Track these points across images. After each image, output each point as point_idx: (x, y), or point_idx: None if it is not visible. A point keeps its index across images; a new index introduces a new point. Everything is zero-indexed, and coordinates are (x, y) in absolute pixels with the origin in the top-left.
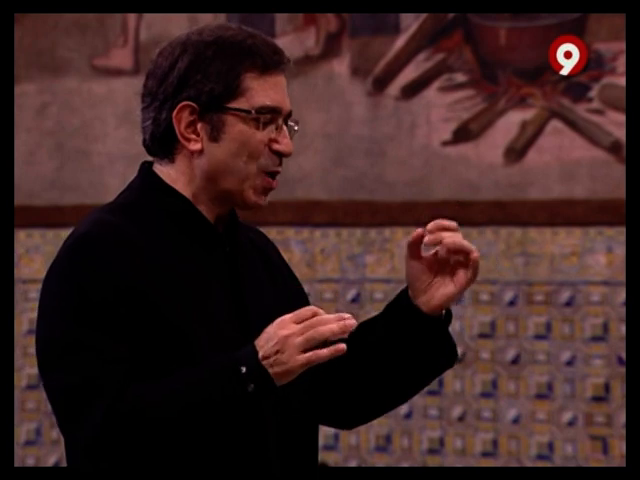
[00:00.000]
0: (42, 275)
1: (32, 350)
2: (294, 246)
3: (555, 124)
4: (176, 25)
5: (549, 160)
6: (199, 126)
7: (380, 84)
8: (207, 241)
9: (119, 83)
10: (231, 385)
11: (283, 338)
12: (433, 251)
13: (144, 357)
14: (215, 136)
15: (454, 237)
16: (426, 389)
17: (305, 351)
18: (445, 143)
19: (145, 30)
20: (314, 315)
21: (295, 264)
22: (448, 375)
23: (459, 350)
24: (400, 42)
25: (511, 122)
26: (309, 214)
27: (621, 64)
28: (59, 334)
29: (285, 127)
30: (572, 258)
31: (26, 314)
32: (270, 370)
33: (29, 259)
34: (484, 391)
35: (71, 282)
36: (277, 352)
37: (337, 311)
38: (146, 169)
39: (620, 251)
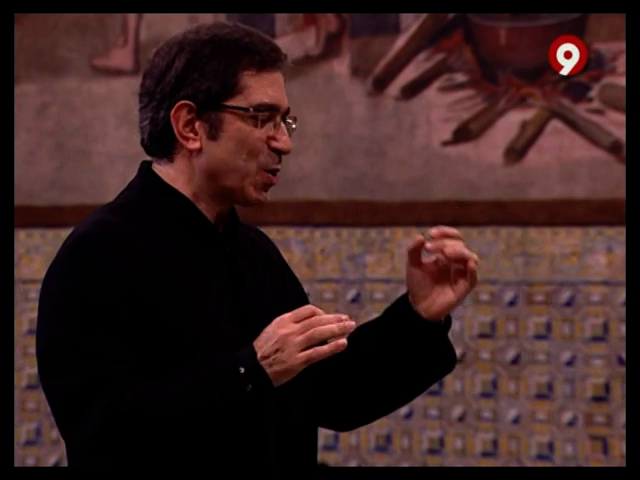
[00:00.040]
0: (42, 275)
1: (32, 350)
2: (294, 246)
3: (555, 124)
4: (176, 25)
5: (549, 160)
6: (197, 125)
7: (380, 84)
8: (207, 241)
9: (119, 83)
10: (230, 385)
11: (283, 337)
12: (434, 258)
13: (144, 357)
14: (213, 134)
15: (455, 246)
16: None
17: (305, 349)
18: (445, 143)
19: (145, 30)
20: (313, 314)
21: (295, 264)
22: (448, 375)
23: (458, 351)
24: (400, 42)
25: (511, 122)
26: (309, 214)
27: (621, 64)
28: (59, 334)
29: (283, 124)
30: (572, 258)
31: (26, 314)
32: (270, 369)
33: (29, 259)
34: (484, 391)
35: (71, 282)
36: (277, 351)
37: (337, 311)
38: (145, 169)
39: (620, 251)
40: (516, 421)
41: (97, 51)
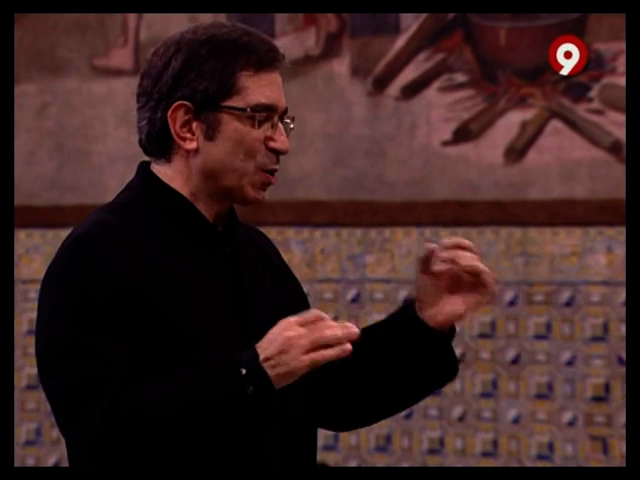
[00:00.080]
0: (42, 275)
1: (32, 350)
2: (294, 246)
3: (555, 124)
4: (176, 25)
5: (549, 160)
6: (194, 125)
7: (380, 84)
8: (207, 240)
9: (119, 83)
10: (231, 386)
11: (287, 339)
12: (446, 267)
13: (144, 357)
14: (211, 135)
15: (473, 260)
16: None
17: (309, 353)
18: (445, 143)
19: (145, 30)
20: (319, 319)
21: (295, 264)
22: None
23: (458, 352)
24: (400, 42)
25: (511, 122)
26: (309, 214)
27: (621, 64)
28: (59, 334)
29: (281, 125)
30: (572, 258)
31: (26, 314)
32: (272, 371)
33: (29, 259)
34: (484, 391)
35: (70, 282)
36: (280, 353)
37: (337, 311)
38: (144, 169)
39: (620, 251)
40: (516, 421)
41: (97, 51)
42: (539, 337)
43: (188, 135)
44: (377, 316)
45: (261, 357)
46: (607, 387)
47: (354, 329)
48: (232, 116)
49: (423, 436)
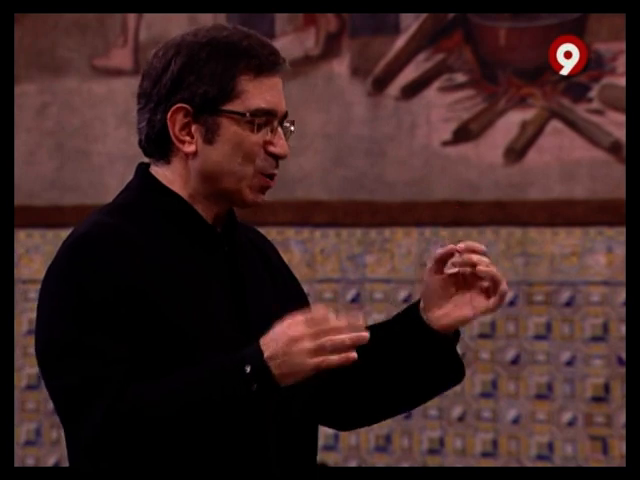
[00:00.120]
0: (42, 275)
1: (32, 350)
2: (294, 246)
3: (555, 124)
4: (176, 25)
5: (549, 160)
6: (193, 128)
7: (380, 84)
8: (206, 241)
9: (119, 83)
10: (234, 384)
11: (293, 340)
12: (457, 270)
13: (144, 357)
14: (210, 138)
15: (489, 266)
16: None
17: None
18: (445, 143)
19: (145, 30)
20: (326, 319)
21: (295, 264)
22: None
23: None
24: (400, 42)
25: (511, 122)
26: (309, 214)
27: (621, 64)
28: (59, 334)
29: (280, 129)
30: (572, 258)
31: (26, 314)
32: (276, 371)
33: (29, 259)
34: (484, 391)
35: (70, 282)
36: (285, 353)
37: (337, 311)
38: (143, 170)
39: (620, 251)
40: (516, 421)
41: (97, 51)
42: (539, 337)
43: (187, 138)
44: (377, 316)
45: (265, 355)
46: (607, 387)
47: (363, 334)
48: (231, 120)
49: (423, 436)
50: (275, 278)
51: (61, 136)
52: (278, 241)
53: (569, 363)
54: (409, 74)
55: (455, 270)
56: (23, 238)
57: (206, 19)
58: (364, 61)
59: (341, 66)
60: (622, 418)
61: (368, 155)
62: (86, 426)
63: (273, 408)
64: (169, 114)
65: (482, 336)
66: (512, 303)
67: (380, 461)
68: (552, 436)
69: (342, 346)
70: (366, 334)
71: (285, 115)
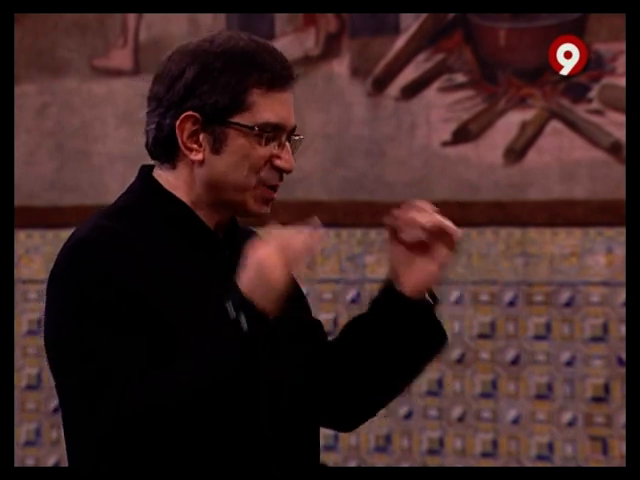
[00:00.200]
0: (42, 276)
1: (32, 350)
2: None
3: (555, 124)
4: (176, 25)
5: (549, 160)
6: (202, 137)
7: (380, 84)
8: (207, 246)
9: (119, 83)
10: (226, 328)
11: (259, 261)
12: (412, 233)
13: (144, 361)
14: (217, 148)
15: (433, 219)
16: (426, 389)
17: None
18: (445, 143)
19: (145, 30)
20: (284, 235)
21: None
22: (448, 375)
23: (458, 352)
24: (400, 42)
25: (511, 122)
26: (309, 214)
27: (621, 64)
28: (63, 335)
29: (288, 144)
30: (572, 258)
31: (26, 314)
32: (256, 296)
33: (29, 259)
34: (484, 391)
35: (70, 284)
36: (257, 274)
37: (337, 312)
38: (146, 173)
39: (620, 252)
40: (516, 421)
41: (97, 51)
42: (539, 337)
43: (195, 146)
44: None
45: (242, 289)
46: (607, 387)
47: (317, 229)
48: (239, 132)
49: (423, 436)
50: None
51: (61, 136)
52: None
53: (569, 363)
54: (409, 74)
55: (412, 235)
56: (23, 238)
57: (206, 19)
58: (364, 61)
59: (341, 66)
60: (622, 418)
61: (368, 155)
62: (95, 424)
63: (270, 404)
64: (178, 121)
65: (482, 336)
66: (512, 303)
67: (380, 461)
68: (552, 436)
69: (305, 246)
70: (320, 230)
71: (293, 129)
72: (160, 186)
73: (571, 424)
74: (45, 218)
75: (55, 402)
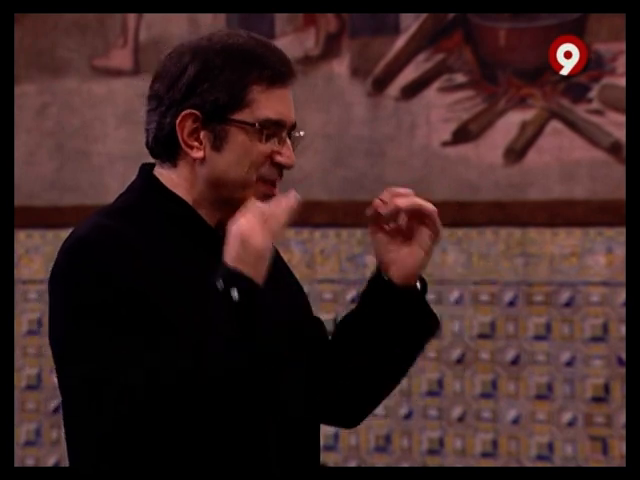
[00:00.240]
0: (42, 276)
1: (32, 350)
2: (294, 247)
3: (555, 124)
4: (176, 25)
5: (549, 160)
6: (202, 134)
7: (380, 84)
8: (208, 244)
9: (119, 83)
10: (220, 301)
11: (242, 232)
12: (394, 221)
13: (144, 360)
14: (218, 145)
15: (409, 199)
16: (426, 390)
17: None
18: (445, 143)
19: (145, 30)
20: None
21: (295, 265)
22: (448, 376)
23: (458, 352)
24: (400, 42)
25: (511, 122)
26: (309, 214)
27: (621, 64)
28: (64, 334)
29: (288, 140)
30: (572, 258)
31: (26, 314)
32: (244, 266)
33: (29, 259)
34: (484, 391)
35: (70, 283)
36: (241, 244)
37: (337, 312)
38: (146, 172)
39: (620, 252)
40: (516, 421)
41: (97, 51)
42: (539, 337)
43: (195, 144)
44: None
45: (228, 262)
46: (607, 387)
47: (292, 195)
48: (240, 129)
49: (423, 436)
50: (276, 279)
51: (61, 136)
52: (278, 242)
53: (569, 363)
54: (409, 74)
55: (393, 222)
56: (23, 238)
57: (206, 19)
58: (364, 61)
59: (341, 66)
60: (622, 418)
61: (368, 155)
62: (95, 424)
63: (273, 408)
64: (179, 119)
65: (482, 336)
66: (512, 303)
67: (380, 461)
68: (552, 436)
69: (284, 212)
70: (295, 196)
71: (294, 125)
72: (161, 184)
73: (571, 424)
74: (45, 218)
75: (55, 402)
